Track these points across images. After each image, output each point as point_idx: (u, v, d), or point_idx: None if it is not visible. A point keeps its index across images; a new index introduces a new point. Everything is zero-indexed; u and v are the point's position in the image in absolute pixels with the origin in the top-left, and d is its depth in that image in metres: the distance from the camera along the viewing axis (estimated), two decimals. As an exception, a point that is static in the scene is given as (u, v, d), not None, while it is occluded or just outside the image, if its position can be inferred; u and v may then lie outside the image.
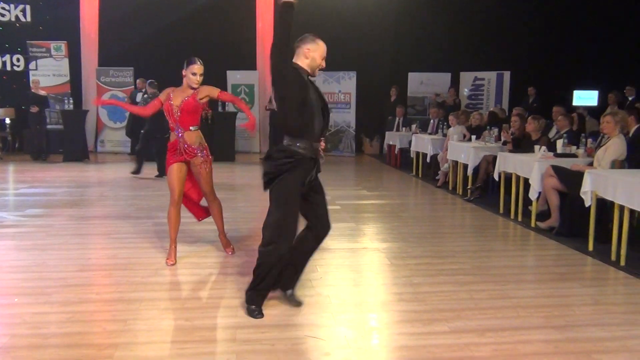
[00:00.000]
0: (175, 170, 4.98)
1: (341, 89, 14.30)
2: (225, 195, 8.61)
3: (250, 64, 14.67)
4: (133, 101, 12.92)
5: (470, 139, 9.11)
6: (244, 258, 5.27)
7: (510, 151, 7.70)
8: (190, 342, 3.48)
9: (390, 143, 12.69)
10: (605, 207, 5.86)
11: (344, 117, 14.36)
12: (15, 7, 14.29)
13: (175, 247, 5.11)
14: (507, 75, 14.29)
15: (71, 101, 13.17)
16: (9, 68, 14.49)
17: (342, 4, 14.31)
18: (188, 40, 13.89)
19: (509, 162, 7.31)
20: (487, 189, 8.62)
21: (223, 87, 14.20)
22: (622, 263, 5.22)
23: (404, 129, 12.47)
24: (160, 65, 13.66)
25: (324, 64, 3.85)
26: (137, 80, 13.18)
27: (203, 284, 4.56)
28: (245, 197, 8.71)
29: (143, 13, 13.80)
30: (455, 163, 9.08)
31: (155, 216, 7.00)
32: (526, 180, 6.88)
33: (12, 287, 4.40)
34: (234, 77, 14.47)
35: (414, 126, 11.87)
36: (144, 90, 12.97)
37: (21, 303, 4.06)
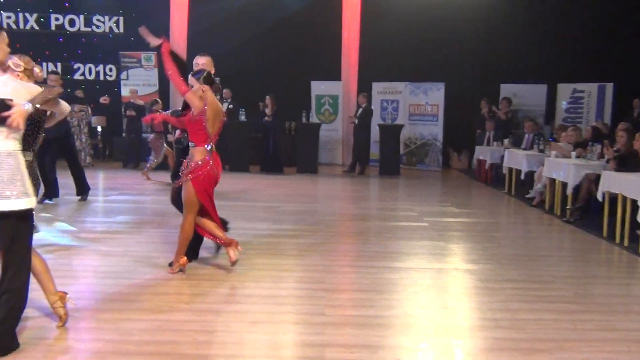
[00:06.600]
0: None
1: (428, 101, 14.13)
2: (307, 208, 8.71)
3: (335, 74, 14.79)
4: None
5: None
6: (330, 274, 5.29)
7: (616, 170, 7.31)
8: (279, 358, 3.52)
9: (480, 158, 12.39)
10: None
11: (431, 130, 14.16)
12: (110, 19, 15.18)
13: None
14: (609, 87, 13.59)
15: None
16: (102, 78, 15.38)
17: (430, 12, 14.19)
18: (273, 50, 14.24)
19: (615, 182, 6.94)
20: (588, 210, 8.21)
21: (307, 98, 14.55)
22: None
23: (495, 143, 12.15)
24: (246, 75, 14.08)
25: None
26: (224, 91, 13.57)
27: (289, 299, 4.60)
28: (327, 207, 8.73)
29: (229, 24, 14.25)
30: (552, 181, 8.73)
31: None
32: (634, 202, 6.51)
33: (102, 293, 4.60)
34: (319, 87, 14.63)
35: (506, 141, 11.54)
36: (229, 100, 13.39)
37: (112, 309, 4.25)
